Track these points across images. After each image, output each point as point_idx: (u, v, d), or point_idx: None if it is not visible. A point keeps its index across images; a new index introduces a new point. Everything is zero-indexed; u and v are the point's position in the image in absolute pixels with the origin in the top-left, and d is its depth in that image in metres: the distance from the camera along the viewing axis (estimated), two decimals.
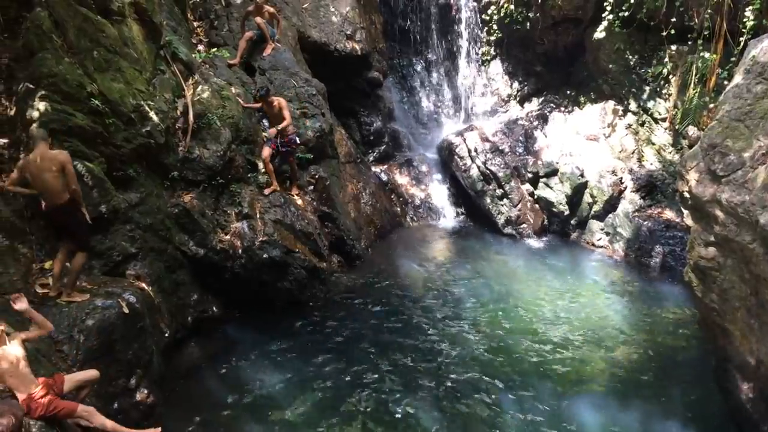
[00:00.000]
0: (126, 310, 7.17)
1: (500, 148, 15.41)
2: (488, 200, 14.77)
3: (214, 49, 11.59)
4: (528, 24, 16.02)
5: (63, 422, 5.75)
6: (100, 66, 8.17)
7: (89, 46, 8.08)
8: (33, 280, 7.29)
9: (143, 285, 8.20)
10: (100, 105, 7.97)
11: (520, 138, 15.96)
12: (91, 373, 6.25)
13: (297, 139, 10.92)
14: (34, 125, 7.32)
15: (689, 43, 12.84)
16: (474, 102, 18.11)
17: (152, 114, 8.83)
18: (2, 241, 7.09)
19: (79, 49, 7.96)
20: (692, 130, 12.92)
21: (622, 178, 14.50)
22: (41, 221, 7.37)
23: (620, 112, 15.25)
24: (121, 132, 8.35)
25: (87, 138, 7.89)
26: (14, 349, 5.46)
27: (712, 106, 11.62)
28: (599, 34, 14.35)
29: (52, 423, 5.64)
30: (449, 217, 15.72)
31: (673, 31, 12.82)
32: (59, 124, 7.54)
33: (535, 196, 15.00)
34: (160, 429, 6.51)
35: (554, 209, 14.71)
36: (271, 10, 11.94)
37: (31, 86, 7.58)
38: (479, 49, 17.84)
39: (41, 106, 7.49)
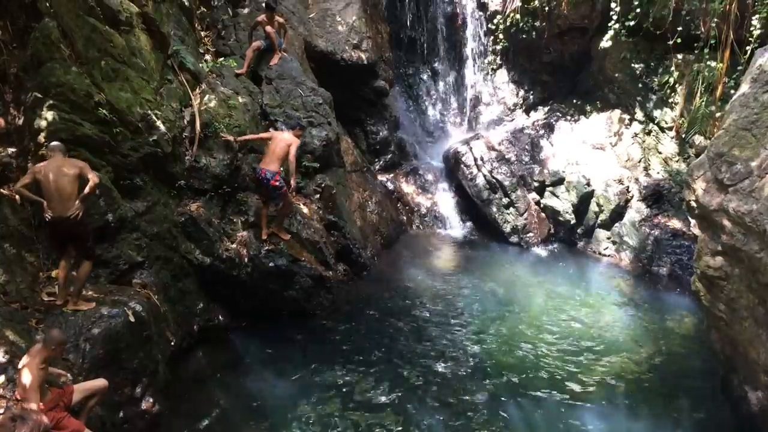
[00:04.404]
0: (132, 319, 7.18)
1: (506, 156, 15.39)
2: (494, 209, 14.75)
3: (222, 59, 11.64)
4: (534, 33, 15.99)
5: None
6: (107, 76, 8.23)
7: (97, 56, 8.15)
8: (40, 288, 7.33)
9: (149, 293, 8.20)
10: (107, 114, 8.03)
11: (527, 147, 15.92)
12: (100, 383, 6.26)
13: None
14: (52, 140, 7.17)
15: (696, 51, 12.79)
16: (480, 111, 18.11)
17: (159, 123, 8.87)
18: (10, 250, 7.14)
19: (87, 59, 8.03)
20: (699, 139, 12.96)
21: (628, 187, 14.44)
22: (47, 230, 7.29)
23: (626, 121, 15.20)
24: (129, 141, 8.40)
25: (94, 147, 7.95)
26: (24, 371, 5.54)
27: (718, 115, 11.59)
28: (605, 43, 14.34)
29: None
30: (455, 225, 15.69)
31: (679, 40, 12.80)
32: (67, 134, 7.61)
33: (542, 205, 14.98)
34: None
35: (560, 218, 14.68)
36: (281, 20, 12.01)
37: (39, 96, 7.65)
38: (485, 58, 17.86)
39: (49, 115, 7.55)
